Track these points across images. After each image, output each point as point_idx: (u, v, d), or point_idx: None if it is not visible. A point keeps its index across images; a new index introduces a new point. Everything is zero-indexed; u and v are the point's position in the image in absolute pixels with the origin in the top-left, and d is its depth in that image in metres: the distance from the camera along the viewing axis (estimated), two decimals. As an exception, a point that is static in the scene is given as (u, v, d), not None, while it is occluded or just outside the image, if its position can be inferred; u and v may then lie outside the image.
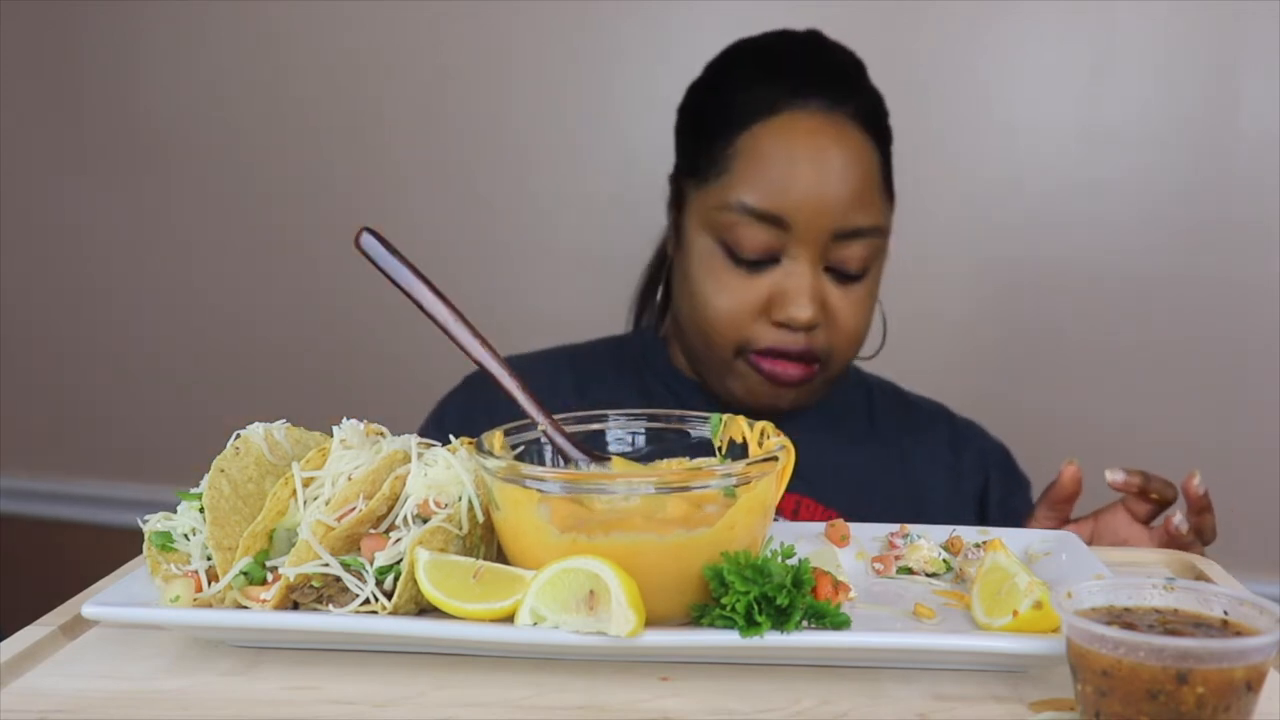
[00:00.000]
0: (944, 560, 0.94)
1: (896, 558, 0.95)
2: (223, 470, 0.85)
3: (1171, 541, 1.15)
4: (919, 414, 1.51)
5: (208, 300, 2.41)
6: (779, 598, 0.75)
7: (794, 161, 1.30)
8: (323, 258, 2.29)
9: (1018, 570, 0.83)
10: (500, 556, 0.84)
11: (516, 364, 1.04)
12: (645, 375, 1.47)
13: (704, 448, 0.94)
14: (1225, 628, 0.68)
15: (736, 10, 1.90)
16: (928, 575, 0.93)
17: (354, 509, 0.81)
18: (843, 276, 1.32)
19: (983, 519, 1.43)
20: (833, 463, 1.39)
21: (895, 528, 1.00)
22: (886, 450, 1.44)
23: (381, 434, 0.90)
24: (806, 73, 1.35)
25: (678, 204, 1.42)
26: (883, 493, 1.40)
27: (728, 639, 0.76)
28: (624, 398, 1.40)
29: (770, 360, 1.32)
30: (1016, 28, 2.05)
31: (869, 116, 1.35)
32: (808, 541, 0.94)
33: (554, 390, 1.39)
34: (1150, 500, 1.18)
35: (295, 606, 0.81)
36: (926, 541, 0.95)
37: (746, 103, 1.34)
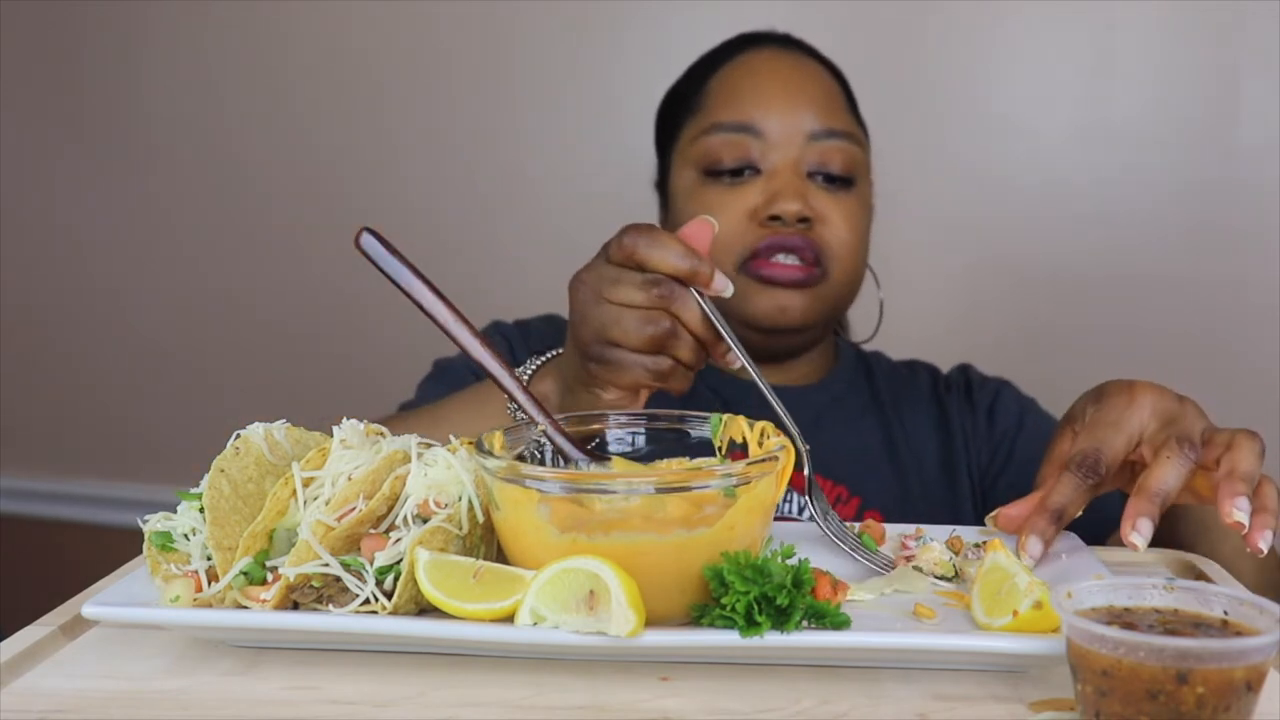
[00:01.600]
0: (952, 565, 0.94)
1: (908, 558, 0.95)
2: (223, 470, 0.85)
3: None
4: (909, 372, 1.54)
5: (208, 300, 2.41)
6: (779, 598, 0.75)
7: (759, 79, 1.39)
8: (323, 258, 2.29)
9: (1018, 570, 0.83)
10: (500, 556, 0.84)
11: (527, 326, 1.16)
12: None
13: (704, 448, 0.94)
14: (1225, 628, 0.68)
15: (736, 10, 1.90)
16: (935, 578, 0.93)
17: (354, 509, 0.81)
18: (828, 181, 1.36)
19: (994, 457, 1.42)
20: (839, 439, 1.40)
21: (910, 529, 1.01)
22: (886, 418, 1.46)
23: (381, 434, 0.90)
24: (764, 34, 1.47)
25: (662, 178, 1.47)
26: (886, 462, 1.41)
27: (728, 639, 0.76)
28: None
29: (770, 263, 1.33)
30: (1017, 28, 2.05)
31: (823, 60, 1.45)
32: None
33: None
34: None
35: (295, 606, 0.81)
36: (938, 544, 0.95)
37: (713, 57, 1.45)
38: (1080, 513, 0.98)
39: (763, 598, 0.76)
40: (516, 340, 1.47)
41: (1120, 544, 1.16)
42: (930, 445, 1.44)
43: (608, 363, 1.02)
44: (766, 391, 0.99)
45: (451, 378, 1.39)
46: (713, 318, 0.99)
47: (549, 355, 1.18)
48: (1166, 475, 0.93)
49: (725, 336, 0.99)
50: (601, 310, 1.01)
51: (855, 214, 1.37)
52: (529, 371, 1.17)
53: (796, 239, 1.32)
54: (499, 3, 2.19)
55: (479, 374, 1.36)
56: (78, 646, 0.84)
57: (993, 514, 1.00)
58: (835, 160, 1.36)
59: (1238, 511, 0.91)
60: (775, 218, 1.32)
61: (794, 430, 0.97)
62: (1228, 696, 0.63)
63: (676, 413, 0.96)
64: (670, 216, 1.43)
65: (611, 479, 0.83)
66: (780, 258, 1.33)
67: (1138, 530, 0.91)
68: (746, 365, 0.99)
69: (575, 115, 2.19)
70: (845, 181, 1.37)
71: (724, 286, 1.00)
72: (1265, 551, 0.92)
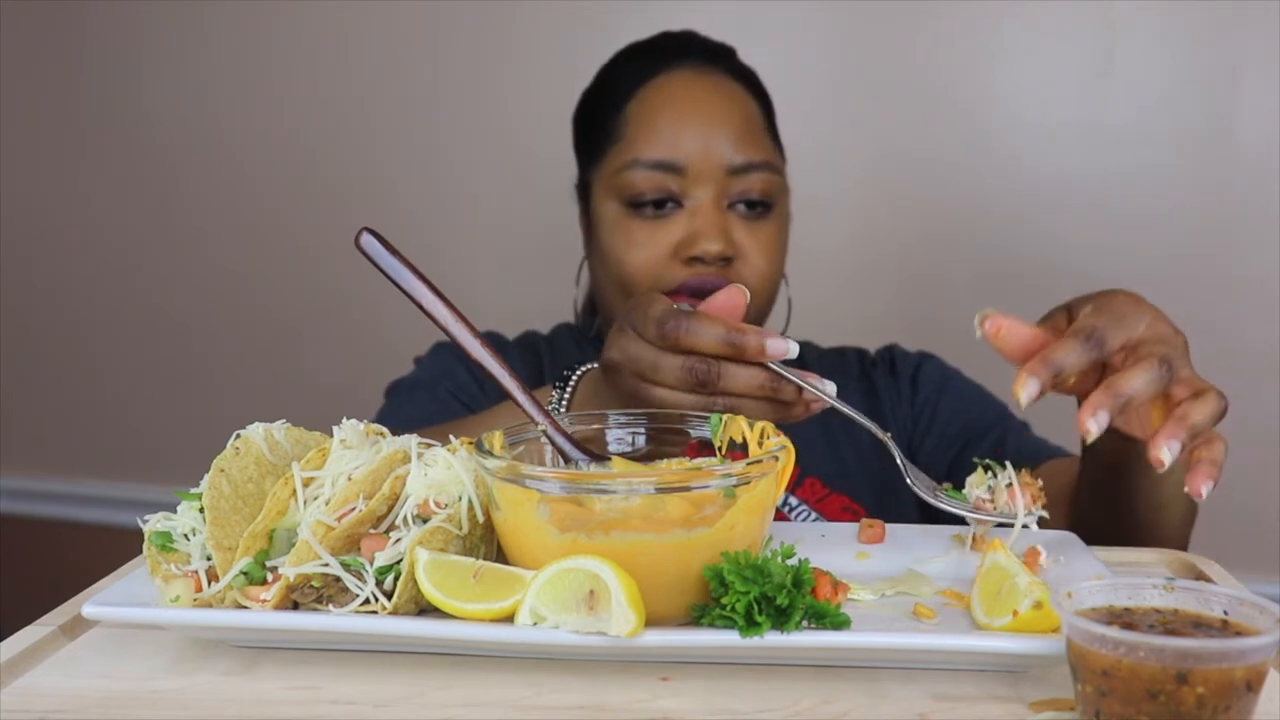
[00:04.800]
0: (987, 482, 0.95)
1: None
2: (223, 470, 0.85)
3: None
4: (838, 356, 1.57)
5: (208, 300, 2.41)
6: (779, 598, 0.75)
7: (678, 111, 1.40)
8: (323, 258, 2.29)
9: (1018, 570, 0.83)
10: (500, 556, 0.84)
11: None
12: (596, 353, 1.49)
13: (704, 448, 0.94)
14: (1225, 628, 0.68)
15: (737, 10, 1.90)
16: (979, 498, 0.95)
17: (354, 509, 0.81)
18: (749, 209, 1.39)
19: (916, 421, 1.48)
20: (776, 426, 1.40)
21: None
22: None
23: (381, 434, 0.90)
24: (679, 47, 1.48)
25: (584, 205, 1.49)
26: (821, 437, 1.44)
27: (728, 639, 0.76)
28: None
29: (685, 299, 1.31)
30: (1018, 28, 2.05)
31: (743, 76, 1.46)
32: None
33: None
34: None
35: (295, 606, 0.81)
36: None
37: (630, 74, 1.46)
38: (1072, 381, 0.96)
39: (763, 598, 0.76)
40: (544, 352, 1.52)
41: (1120, 544, 1.17)
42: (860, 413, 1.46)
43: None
44: (854, 415, 0.98)
45: (449, 355, 1.44)
46: (779, 371, 0.96)
47: (579, 373, 1.15)
48: (1136, 381, 0.92)
49: (799, 384, 0.96)
50: (652, 393, 0.99)
51: (773, 241, 1.41)
52: (565, 398, 1.13)
53: (717, 279, 1.34)
54: (499, 3, 2.18)
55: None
56: (78, 646, 0.84)
57: (985, 313, 0.98)
58: (755, 189, 1.39)
59: (1167, 451, 0.91)
60: (697, 257, 1.35)
61: (882, 434, 0.99)
62: (1228, 696, 0.63)
63: (676, 413, 0.96)
64: (594, 239, 1.45)
65: (611, 479, 0.83)
66: (699, 297, 1.33)
67: (1095, 419, 0.90)
68: (834, 403, 0.97)
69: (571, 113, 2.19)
70: (765, 206, 1.40)
71: (785, 349, 0.96)
72: (1204, 497, 0.93)
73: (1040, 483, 0.97)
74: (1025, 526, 0.94)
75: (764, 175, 1.39)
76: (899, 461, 0.98)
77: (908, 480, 0.97)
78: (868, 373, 1.53)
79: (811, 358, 1.55)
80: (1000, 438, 1.43)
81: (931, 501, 0.97)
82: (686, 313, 0.97)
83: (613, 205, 1.41)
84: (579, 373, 1.15)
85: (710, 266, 1.36)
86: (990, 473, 0.98)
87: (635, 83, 1.44)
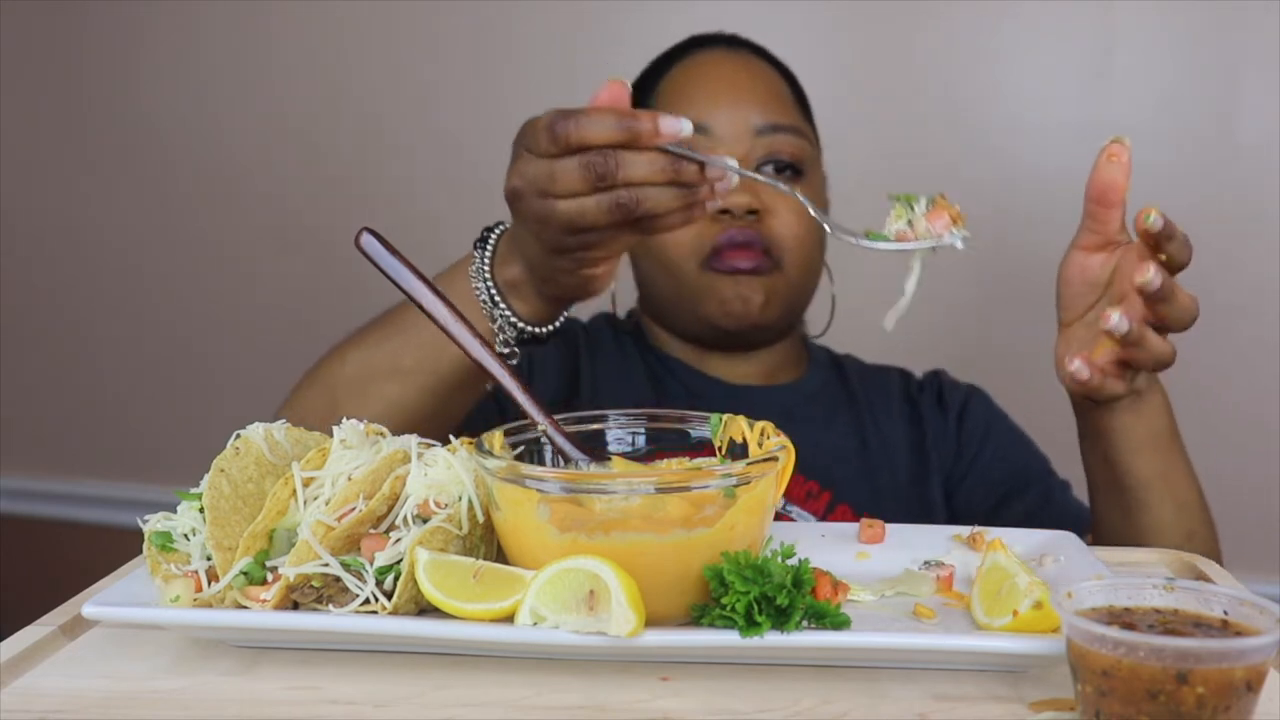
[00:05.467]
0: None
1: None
2: (223, 470, 0.85)
3: (1122, 345, 1.07)
4: (882, 374, 1.56)
5: (208, 300, 2.41)
6: (779, 598, 0.75)
7: (706, 80, 1.42)
8: (323, 258, 2.29)
9: (1018, 570, 0.83)
10: (500, 556, 0.84)
11: None
12: (633, 347, 1.51)
13: (704, 448, 0.94)
14: (1225, 628, 0.68)
15: (737, 10, 1.90)
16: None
17: (354, 509, 0.81)
18: (778, 171, 1.39)
19: (959, 458, 1.46)
20: (811, 436, 1.37)
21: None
22: (859, 416, 1.48)
23: (381, 434, 0.90)
24: (710, 38, 1.50)
25: None
26: (858, 458, 1.44)
27: (728, 639, 0.76)
28: (628, 367, 1.47)
29: (725, 256, 1.36)
30: (1018, 28, 2.05)
31: (773, 61, 1.48)
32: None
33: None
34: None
35: (295, 606, 0.81)
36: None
37: (661, 62, 1.48)
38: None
39: (763, 598, 0.76)
40: (581, 337, 1.50)
41: (1120, 544, 1.17)
42: (902, 444, 1.47)
43: (590, 246, 1.00)
44: (767, 180, 1.05)
45: None
46: (677, 152, 0.95)
47: (497, 232, 1.11)
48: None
49: (700, 160, 0.95)
50: (556, 208, 0.96)
51: (804, 206, 1.37)
52: (488, 256, 1.09)
53: (747, 231, 1.36)
54: (499, 3, 2.18)
55: None
56: (78, 646, 0.84)
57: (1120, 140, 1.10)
58: (783, 151, 1.39)
59: (1078, 362, 1.08)
60: (725, 211, 1.35)
61: (821, 217, 1.03)
62: (1228, 696, 0.63)
63: (676, 412, 0.96)
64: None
65: (611, 479, 0.83)
66: (733, 251, 1.36)
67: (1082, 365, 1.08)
68: (738, 171, 0.96)
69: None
70: (794, 171, 1.40)
71: (678, 128, 0.94)
72: (1073, 371, 1.08)
73: (959, 206, 1.00)
74: (954, 247, 1.01)
75: (791, 138, 1.40)
76: (813, 212, 1.03)
77: (827, 228, 1.02)
78: (913, 397, 1.52)
79: (853, 369, 1.55)
80: (1044, 495, 1.42)
81: (857, 244, 1.00)
82: (572, 110, 0.96)
83: None
84: (498, 231, 1.09)
85: (740, 220, 1.36)
86: (906, 204, 1.01)
87: (666, 66, 1.46)
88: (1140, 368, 1.10)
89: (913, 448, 1.47)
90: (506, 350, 1.10)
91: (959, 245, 1.00)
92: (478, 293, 1.08)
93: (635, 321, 1.54)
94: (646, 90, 1.46)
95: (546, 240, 1.00)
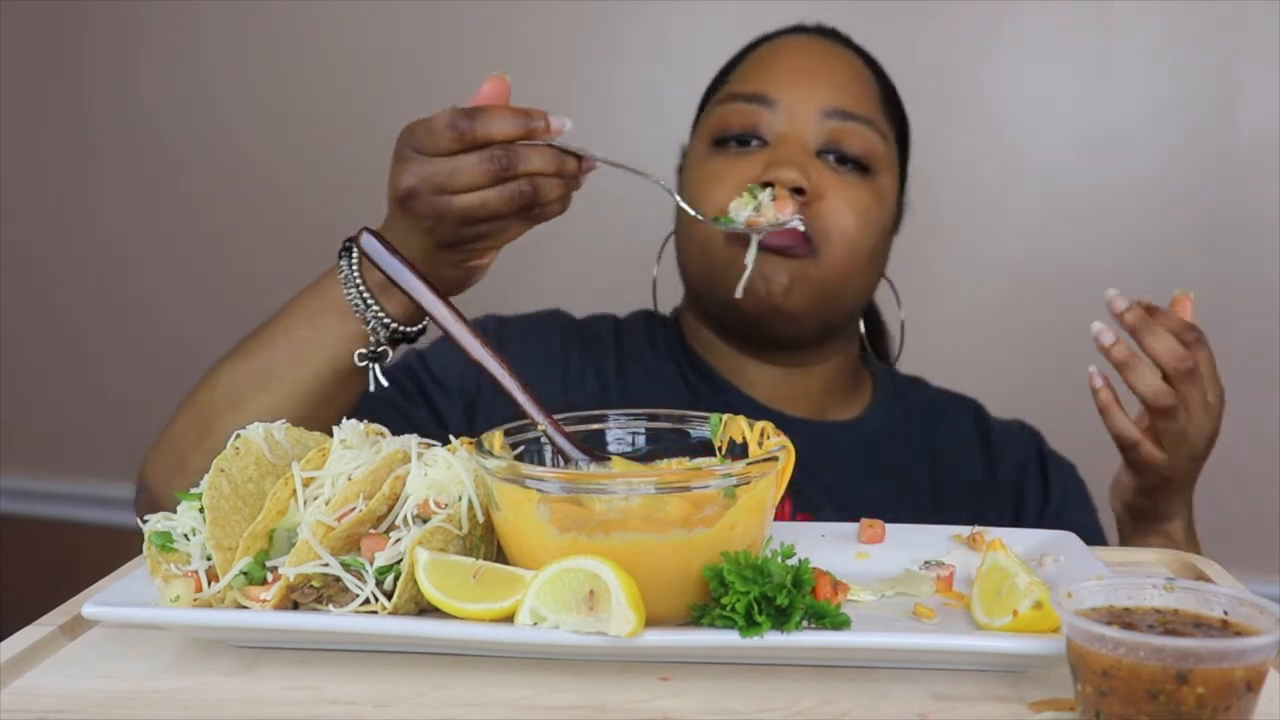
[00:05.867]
0: None
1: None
2: (223, 470, 0.85)
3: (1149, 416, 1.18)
4: (951, 419, 1.43)
5: (209, 299, 2.41)
6: (779, 598, 0.75)
7: (785, 56, 1.35)
8: (324, 258, 2.28)
9: (1018, 570, 0.83)
10: (500, 556, 0.84)
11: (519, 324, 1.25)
12: (669, 349, 1.42)
13: (704, 448, 0.94)
14: (1225, 628, 0.68)
15: (737, 10, 1.90)
16: None
17: (354, 509, 0.81)
18: (840, 162, 1.29)
19: (1018, 519, 1.35)
20: (860, 488, 1.32)
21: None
22: (918, 473, 1.37)
23: (381, 434, 0.90)
24: (812, 26, 1.42)
25: (684, 160, 1.42)
26: (913, 516, 1.30)
27: (728, 639, 0.76)
28: (663, 370, 1.39)
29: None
30: (1017, 30, 2.05)
31: (867, 57, 1.39)
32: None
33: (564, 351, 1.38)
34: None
35: (295, 606, 0.81)
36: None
37: (755, 41, 1.41)
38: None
39: (763, 598, 0.76)
40: (570, 328, 1.42)
41: (1119, 544, 1.17)
42: (963, 498, 1.35)
43: (482, 236, 1.05)
44: (622, 164, 1.06)
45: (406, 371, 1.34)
46: (559, 146, 1.04)
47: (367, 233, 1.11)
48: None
49: (583, 154, 1.04)
50: (454, 203, 1.01)
51: (862, 201, 1.29)
52: (355, 263, 1.10)
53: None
54: (499, 3, 2.18)
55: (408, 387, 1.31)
56: (78, 646, 0.84)
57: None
58: (851, 143, 1.29)
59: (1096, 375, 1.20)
60: (769, 184, 1.24)
61: (656, 180, 1.11)
62: (1228, 696, 0.63)
63: (677, 412, 0.96)
64: (680, 188, 1.37)
65: (611, 479, 0.83)
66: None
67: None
68: (607, 160, 1.05)
69: (577, 115, 2.19)
70: (860, 167, 1.30)
71: (563, 125, 1.04)
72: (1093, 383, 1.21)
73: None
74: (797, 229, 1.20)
75: (864, 130, 1.30)
76: (666, 186, 1.12)
77: (682, 205, 1.16)
78: (993, 456, 1.40)
79: (917, 405, 1.43)
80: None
81: (713, 225, 1.16)
82: (473, 109, 1.02)
83: (700, 147, 1.34)
84: (364, 239, 1.01)
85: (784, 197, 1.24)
86: (751, 195, 1.16)
87: (758, 43, 1.40)
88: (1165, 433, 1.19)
89: (975, 502, 1.34)
90: (378, 350, 1.11)
91: (800, 226, 1.20)
92: (349, 297, 1.09)
93: (676, 319, 1.45)
94: (727, 71, 1.40)
95: (440, 235, 1.05)
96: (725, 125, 1.31)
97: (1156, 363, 1.16)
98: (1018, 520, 1.35)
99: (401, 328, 1.10)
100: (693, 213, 1.18)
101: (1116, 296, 1.18)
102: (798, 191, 1.25)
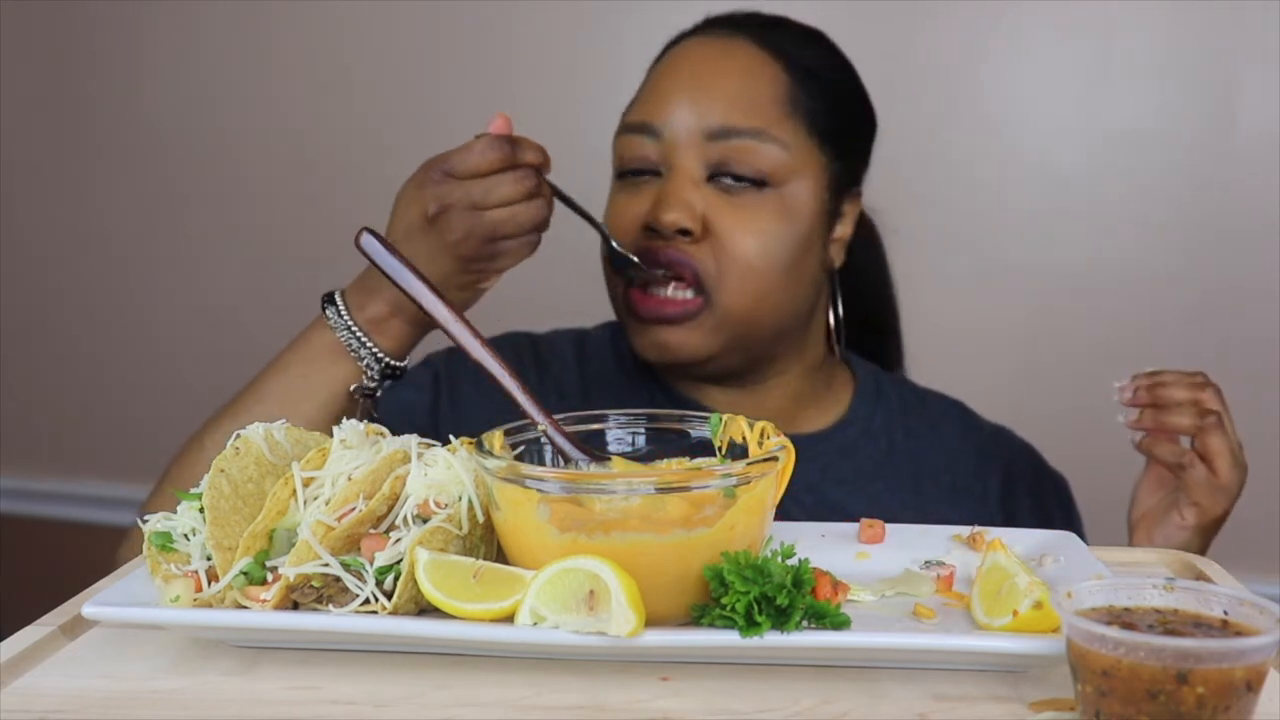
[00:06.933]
0: None
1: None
2: (223, 470, 0.85)
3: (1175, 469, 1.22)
4: (936, 419, 1.39)
5: (208, 300, 2.41)
6: (779, 598, 0.75)
7: (670, 74, 1.29)
8: (324, 258, 2.28)
9: (1018, 570, 0.83)
10: (500, 556, 0.84)
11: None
12: (613, 377, 1.39)
13: (704, 448, 0.94)
14: (1225, 628, 0.68)
15: (735, 9, 1.90)
16: None
17: (354, 509, 0.81)
18: (735, 183, 1.22)
19: (1010, 520, 1.32)
20: (840, 502, 1.29)
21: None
22: (902, 478, 1.33)
23: (381, 434, 0.90)
24: (721, 19, 1.33)
25: None
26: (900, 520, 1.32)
27: (728, 639, 0.76)
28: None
29: (643, 297, 1.23)
30: (1017, 31, 2.05)
31: (779, 45, 1.29)
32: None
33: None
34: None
35: (295, 606, 0.81)
36: None
37: (662, 50, 1.35)
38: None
39: (763, 598, 0.76)
40: (527, 353, 1.38)
41: (1120, 543, 1.17)
42: (949, 501, 1.32)
43: (499, 255, 1.16)
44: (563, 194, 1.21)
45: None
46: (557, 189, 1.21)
47: (338, 293, 1.23)
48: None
49: (564, 197, 1.21)
50: (484, 220, 1.13)
51: (765, 221, 1.22)
52: (343, 309, 1.21)
53: (672, 253, 1.21)
54: (499, 3, 2.18)
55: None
56: (78, 646, 0.84)
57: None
58: (742, 160, 1.22)
59: (1127, 414, 1.23)
60: (652, 229, 1.22)
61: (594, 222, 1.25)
62: (1228, 696, 0.63)
63: (676, 413, 0.96)
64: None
65: (611, 479, 0.83)
66: (655, 290, 1.22)
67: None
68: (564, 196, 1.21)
69: (574, 115, 2.19)
70: (756, 184, 1.22)
71: (549, 159, 1.19)
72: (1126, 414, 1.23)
73: None
74: None
75: (753, 144, 1.22)
76: (594, 224, 1.23)
77: (617, 248, 1.23)
78: (974, 435, 1.38)
79: (898, 407, 1.38)
80: None
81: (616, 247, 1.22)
82: (504, 136, 1.16)
83: (614, 179, 1.32)
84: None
85: (670, 241, 1.21)
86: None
87: (662, 54, 1.34)
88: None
89: (961, 502, 1.32)
90: (371, 387, 1.19)
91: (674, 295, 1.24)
92: (343, 338, 1.18)
93: (621, 338, 1.38)
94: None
95: (465, 250, 1.15)
96: (621, 159, 1.30)
97: (1180, 432, 1.22)
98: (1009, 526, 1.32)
99: (392, 362, 1.19)
100: (627, 253, 1.25)
101: (1122, 388, 1.24)
102: (683, 233, 1.21)
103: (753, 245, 1.22)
